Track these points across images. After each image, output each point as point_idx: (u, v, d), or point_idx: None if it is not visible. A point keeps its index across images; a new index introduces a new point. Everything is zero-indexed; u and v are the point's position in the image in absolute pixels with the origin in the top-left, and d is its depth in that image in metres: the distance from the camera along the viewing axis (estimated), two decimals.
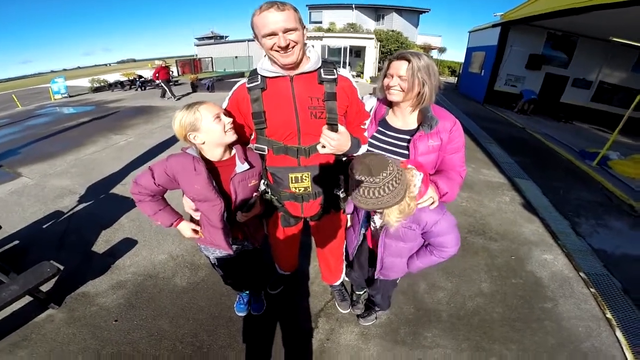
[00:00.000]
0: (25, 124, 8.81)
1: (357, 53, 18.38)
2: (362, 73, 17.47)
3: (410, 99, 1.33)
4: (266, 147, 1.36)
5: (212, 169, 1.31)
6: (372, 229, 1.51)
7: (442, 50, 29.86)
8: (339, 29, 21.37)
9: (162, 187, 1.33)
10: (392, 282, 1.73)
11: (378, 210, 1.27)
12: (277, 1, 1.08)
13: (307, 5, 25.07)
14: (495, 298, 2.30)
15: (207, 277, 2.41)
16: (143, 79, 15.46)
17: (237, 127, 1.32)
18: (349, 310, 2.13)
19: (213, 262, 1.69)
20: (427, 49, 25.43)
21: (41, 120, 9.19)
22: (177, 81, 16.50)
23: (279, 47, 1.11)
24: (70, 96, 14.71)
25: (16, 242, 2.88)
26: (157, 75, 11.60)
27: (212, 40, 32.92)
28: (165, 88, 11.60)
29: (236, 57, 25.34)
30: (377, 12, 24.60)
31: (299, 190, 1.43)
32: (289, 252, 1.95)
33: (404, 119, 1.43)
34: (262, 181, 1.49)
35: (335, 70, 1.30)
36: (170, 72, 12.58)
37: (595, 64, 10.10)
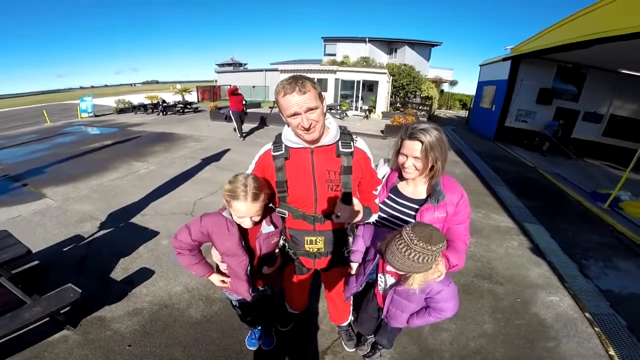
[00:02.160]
0: (53, 141, 9.28)
1: (370, 87, 18.64)
2: (374, 108, 17.47)
3: (424, 174, 1.45)
4: (287, 212, 1.50)
5: (241, 228, 1.45)
6: (380, 288, 1.59)
7: (453, 83, 30.47)
8: (353, 62, 21.85)
9: (198, 242, 1.48)
10: (397, 328, 1.79)
11: (404, 274, 1.33)
12: (298, 82, 1.19)
13: (322, 38, 26.00)
14: (497, 338, 2.35)
15: (221, 310, 2.48)
16: (166, 103, 16.05)
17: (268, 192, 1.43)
18: (354, 349, 2.18)
19: (234, 304, 1.81)
20: (438, 82, 25.94)
21: (68, 139, 9.66)
22: (197, 108, 17.09)
23: (302, 127, 1.25)
24: (95, 115, 15.39)
25: (36, 262, 2.99)
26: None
27: (231, 68, 34.33)
28: (235, 121, 9.32)
29: (254, 86, 26.30)
30: (390, 46, 25.28)
31: (313, 250, 1.57)
32: (300, 294, 2.08)
33: (415, 188, 1.54)
34: (282, 237, 1.61)
35: (352, 143, 1.41)
36: (244, 103, 9.80)
37: (605, 97, 10.06)
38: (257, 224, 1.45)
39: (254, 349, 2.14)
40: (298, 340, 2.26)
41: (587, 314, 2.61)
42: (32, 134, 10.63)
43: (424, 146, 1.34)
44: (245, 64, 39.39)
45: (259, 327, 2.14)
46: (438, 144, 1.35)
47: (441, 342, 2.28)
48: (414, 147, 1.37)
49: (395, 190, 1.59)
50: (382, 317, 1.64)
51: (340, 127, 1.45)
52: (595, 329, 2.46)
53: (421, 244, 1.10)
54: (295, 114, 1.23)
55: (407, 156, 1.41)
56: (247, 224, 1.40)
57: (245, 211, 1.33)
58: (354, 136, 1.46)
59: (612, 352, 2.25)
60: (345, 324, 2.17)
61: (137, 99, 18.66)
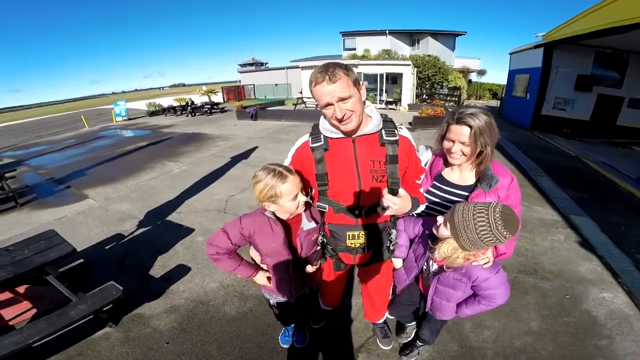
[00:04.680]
0: (91, 145, 9.85)
1: (394, 80, 18.15)
2: (400, 100, 16.99)
3: (471, 160, 1.36)
4: (327, 206, 1.43)
5: (284, 227, 1.41)
6: (424, 273, 1.53)
7: (481, 72, 29.17)
8: (374, 56, 21.46)
9: (238, 245, 1.43)
10: (442, 320, 1.72)
11: (437, 246, 1.29)
12: (329, 71, 1.12)
13: (340, 32, 25.65)
14: (545, 336, 2.20)
15: (255, 307, 2.49)
16: (194, 105, 16.61)
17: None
18: (390, 346, 2.11)
19: (272, 304, 1.78)
20: (465, 72, 24.94)
21: (104, 142, 10.24)
22: (223, 108, 17.49)
23: (336, 117, 1.18)
24: (129, 119, 16.25)
25: (81, 260, 3.14)
26: None
27: (253, 67, 34.85)
28: None
29: (276, 84, 26.60)
30: (412, 37, 24.58)
31: (355, 245, 1.49)
32: (335, 290, 2.01)
33: (461, 173, 1.46)
34: (320, 233, 1.55)
35: (396, 131, 1.33)
36: None
37: None
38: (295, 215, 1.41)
39: (287, 346, 2.13)
40: (331, 337, 2.23)
41: None
42: (72, 139, 11.34)
43: (473, 131, 1.26)
44: (266, 63, 39.86)
45: (293, 325, 2.12)
46: (487, 128, 1.26)
47: (483, 340, 2.17)
48: (461, 132, 1.29)
49: (440, 178, 1.51)
50: (427, 309, 1.57)
51: (381, 115, 1.37)
52: None
53: (498, 217, 1.05)
54: (328, 105, 1.17)
55: (454, 141, 1.33)
56: (303, 199, 1.35)
57: (295, 187, 1.30)
58: (397, 124, 1.38)
59: None
60: (381, 321, 2.10)
61: (166, 101, 19.46)
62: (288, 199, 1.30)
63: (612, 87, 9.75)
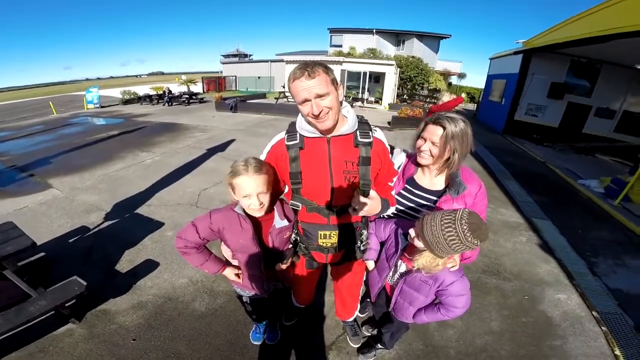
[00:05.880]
0: (59, 132, 9.33)
1: (377, 79, 18.44)
2: (381, 99, 17.40)
3: (439, 163, 1.40)
4: (300, 205, 1.43)
5: (254, 224, 1.40)
6: (389, 277, 1.56)
7: (461, 76, 29.87)
8: (359, 54, 21.58)
9: (207, 240, 1.42)
10: (404, 324, 1.76)
11: (414, 258, 1.31)
12: (308, 67, 1.13)
13: (328, 29, 25.67)
14: (504, 336, 2.32)
15: (225, 304, 2.47)
16: (171, 94, 16.11)
17: (274, 181, 1.38)
18: (359, 344, 2.15)
19: (245, 300, 1.78)
20: (446, 74, 25.46)
21: (74, 129, 9.72)
22: (202, 98, 17.08)
23: (312, 114, 1.17)
24: (102, 106, 15.52)
25: (42, 254, 3.00)
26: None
27: (236, 59, 34.15)
28: None
29: (259, 77, 26.20)
30: (398, 38, 24.84)
31: (327, 244, 1.51)
32: (307, 288, 2.03)
33: (432, 179, 1.50)
34: (294, 231, 1.56)
35: (370, 133, 1.34)
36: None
37: (619, 93, 9.85)
38: (267, 212, 1.40)
39: (258, 343, 2.13)
40: (302, 335, 2.25)
41: (594, 313, 2.57)
42: (38, 125, 10.70)
43: (445, 133, 1.31)
44: (250, 55, 39.26)
45: (264, 322, 2.12)
46: (460, 135, 1.31)
47: (447, 339, 2.26)
48: (435, 132, 1.34)
49: (411, 182, 1.55)
50: (390, 309, 1.60)
51: (357, 116, 1.38)
52: (602, 328, 2.43)
53: (465, 229, 1.06)
54: (305, 101, 1.16)
55: (425, 140, 1.38)
56: (255, 205, 1.31)
57: (250, 186, 1.27)
58: (372, 126, 1.39)
59: (617, 352, 2.21)
60: (351, 319, 2.15)
61: (142, 89, 18.76)
62: (242, 194, 1.30)
63: (582, 96, 10.22)
